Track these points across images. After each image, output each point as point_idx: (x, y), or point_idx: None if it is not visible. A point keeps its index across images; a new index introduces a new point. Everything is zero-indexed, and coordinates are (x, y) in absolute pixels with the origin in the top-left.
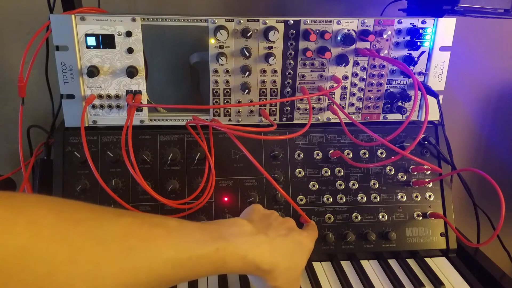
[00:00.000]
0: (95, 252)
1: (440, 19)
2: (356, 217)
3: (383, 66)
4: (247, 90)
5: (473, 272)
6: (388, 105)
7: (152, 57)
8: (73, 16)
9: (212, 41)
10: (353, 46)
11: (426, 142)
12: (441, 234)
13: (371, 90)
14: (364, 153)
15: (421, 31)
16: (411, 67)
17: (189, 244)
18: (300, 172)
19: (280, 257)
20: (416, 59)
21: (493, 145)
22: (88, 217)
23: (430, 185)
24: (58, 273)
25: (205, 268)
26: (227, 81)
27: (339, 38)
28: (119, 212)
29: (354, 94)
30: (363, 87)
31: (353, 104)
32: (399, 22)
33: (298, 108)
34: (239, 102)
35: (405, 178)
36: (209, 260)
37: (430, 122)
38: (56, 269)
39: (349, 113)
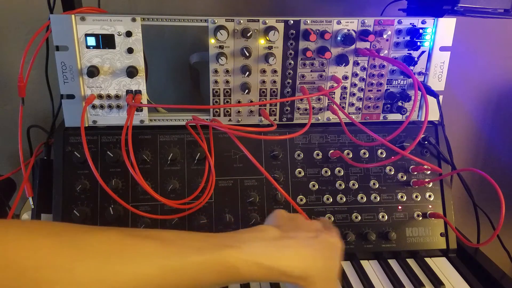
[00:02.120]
0: (66, 257)
1: (440, 19)
2: (356, 217)
3: (383, 66)
4: (247, 90)
5: (473, 272)
6: (388, 105)
7: (152, 57)
8: (73, 16)
9: (212, 41)
10: (353, 46)
11: (426, 142)
12: (441, 234)
13: (371, 90)
14: (364, 153)
15: (421, 31)
16: (411, 67)
17: (184, 251)
18: (300, 172)
19: (314, 260)
20: (416, 59)
21: (493, 145)
22: (63, 230)
23: (430, 185)
24: (26, 279)
25: (208, 275)
26: (227, 81)
27: (339, 38)
28: (104, 228)
29: (354, 94)
30: (363, 87)
31: (353, 104)
32: (399, 22)
33: (298, 108)
34: (239, 102)
35: (405, 178)
36: (212, 267)
37: (430, 122)
38: (23, 275)
39: (349, 113)
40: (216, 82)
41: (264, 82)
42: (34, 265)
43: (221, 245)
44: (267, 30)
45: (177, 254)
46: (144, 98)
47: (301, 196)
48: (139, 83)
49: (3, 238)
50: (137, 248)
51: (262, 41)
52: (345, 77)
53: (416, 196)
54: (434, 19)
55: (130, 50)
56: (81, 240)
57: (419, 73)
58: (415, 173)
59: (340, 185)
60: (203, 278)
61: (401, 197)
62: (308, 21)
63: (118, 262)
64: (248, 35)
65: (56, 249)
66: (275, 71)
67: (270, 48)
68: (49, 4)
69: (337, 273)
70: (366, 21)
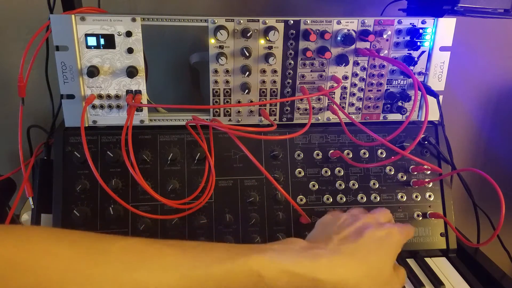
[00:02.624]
0: (85, 262)
1: (440, 19)
2: None
3: (383, 66)
4: (247, 90)
5: (473, 272)
6: (388, 105)
7: (152, 57)
8: (73, 16)
9: (212, 41)
10: (353, 46)
11: (426, 142)
12: (441, 234)
13: (371, 90)
14: (364, 153)
15: (421, 31)
16: (411, 67)
17: (207, 261)
18: (300, 172)
19: (348, 268)
20: (416, 59)
21: (493, 145)
22: (80, 237)
23: (430, 185)
24: (46, 284)
25: (233, 285)
26: (227, 81)
27: (339, 38)
28: (126, 237)
29: (354, 94)
30: (363, 87)
31: (353, 104)
32: (399, 22)
33: (298, 108)
34: (239, 102)
35: (405, 178)
36: (236, 276)
37: (430, 122)
38: (42, 280)
39: (349, 113)
40: (216, 82)
41: (264, 82)
42: (51, 266)
43: (248, 253)
44: (267, 30)
45: (200, 264)
46: (144, 98)
47: (301, 196)
48: (139, 83)
49: (21, 244)
50: (159, 257)
51: (262, 41)
52: (345, 77)
53: (416, 196)
54: (434, 19)
55: (130, 50)
56: (101, 247)
57: (419, 73)
58: (415, 173)
59: (340, 185)
60: (230, 286)
61: (401, 197)
62: (308, 21)
63: (139, 270)
64: (248, 35)
65: (74, 254)
66: (275, 71)
67: (270, 48)
68: (49, 4)
69: (387, 271)
70: (366, 21)
